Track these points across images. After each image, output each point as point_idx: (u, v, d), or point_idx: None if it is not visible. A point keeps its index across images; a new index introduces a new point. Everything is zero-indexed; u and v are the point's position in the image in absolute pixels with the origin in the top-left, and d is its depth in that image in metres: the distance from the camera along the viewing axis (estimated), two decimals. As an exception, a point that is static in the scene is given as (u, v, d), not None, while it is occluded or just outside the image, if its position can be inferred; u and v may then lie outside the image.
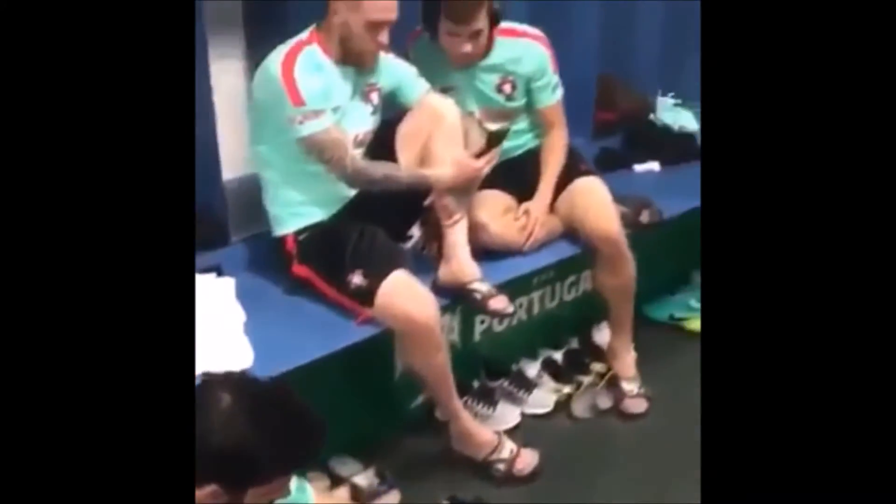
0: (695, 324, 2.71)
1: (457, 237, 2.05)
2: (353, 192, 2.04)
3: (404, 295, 1.89)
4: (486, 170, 2.04)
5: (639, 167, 2.88)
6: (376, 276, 1.90)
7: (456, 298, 2.08)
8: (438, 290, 2.04)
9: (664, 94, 3.18)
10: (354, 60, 1.98)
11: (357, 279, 1.91)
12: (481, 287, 2.03)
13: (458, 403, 2.02)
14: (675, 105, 3.15)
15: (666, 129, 3.02)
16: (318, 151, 1.93)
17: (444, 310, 2.02)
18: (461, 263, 2.04)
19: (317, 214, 2.04)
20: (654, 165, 2.89)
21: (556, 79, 2.29)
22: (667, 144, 2.96)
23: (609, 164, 2.80)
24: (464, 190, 2.04)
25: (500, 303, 2.03)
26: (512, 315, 2.12)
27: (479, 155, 2.03)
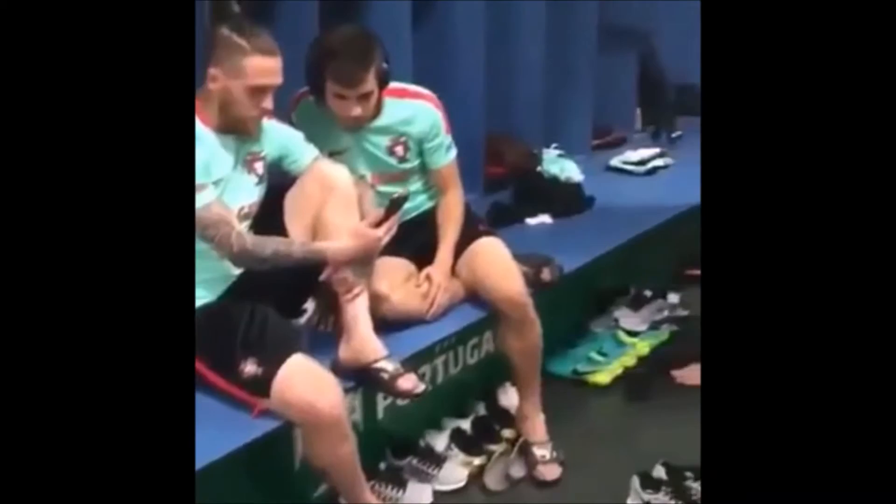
0: (599, 377, 2.68)
1: (357, 312, 1.91)
2: (239, 270, 1.87)
3: (304, 382, 1.73)
4: (386, 239, 1.92)
5: (531, 221, 2.86)
6: (271, 363, 1.73)
7: (360, 379, 1.93)
8: (340, 370, 1.89)
9: (548, 146, 3.19)
10: (235, 129, 1.83)
11: (250, 368, 1.74)
12: (388, 366, 1.89)
13: (368, 495, 1.86)
14: (560, 156, 3.17)
15: (554, 180, 3.04)
16: (201, 229, 1.75)
17: (346, 391, 1.87)
18: (364, 341, 1.90)
19: (201, 297, 1.85)
20: (545, 218, 2.88)
21: (448, 139, 2.21)
22: (555, 195, 2.98)
23: (501, 219, 2.76)
24: (363, 261, 1.91)
25: (408, 382, 1.89)
26: (423, 395, 1.98)
27: (378, 223, 1.90)
